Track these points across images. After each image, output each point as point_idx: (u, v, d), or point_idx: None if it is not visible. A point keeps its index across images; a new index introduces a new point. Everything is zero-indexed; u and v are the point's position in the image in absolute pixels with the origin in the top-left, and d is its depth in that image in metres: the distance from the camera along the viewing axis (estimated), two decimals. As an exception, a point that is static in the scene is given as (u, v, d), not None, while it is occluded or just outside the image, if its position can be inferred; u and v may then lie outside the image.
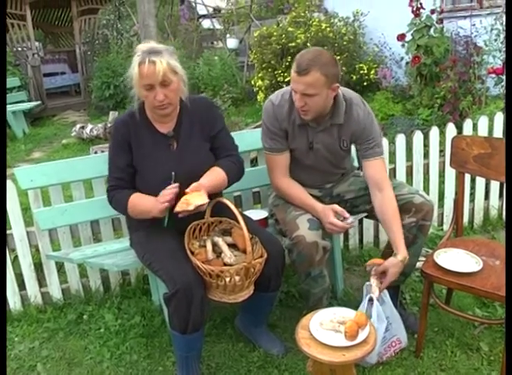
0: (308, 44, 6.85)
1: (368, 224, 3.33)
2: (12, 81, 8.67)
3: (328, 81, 2.23)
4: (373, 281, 2.31)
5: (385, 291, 2.38)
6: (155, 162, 2.27)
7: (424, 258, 2.71)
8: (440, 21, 5.36)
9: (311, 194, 2.57)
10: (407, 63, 5.54)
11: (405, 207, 2.42)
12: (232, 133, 2.57)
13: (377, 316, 2.26)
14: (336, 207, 2.38)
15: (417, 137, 3.32)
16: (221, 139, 2.42)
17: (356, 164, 2.90)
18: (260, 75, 7.86)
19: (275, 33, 7.68)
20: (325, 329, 2.02)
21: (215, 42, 11.47)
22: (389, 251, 2.54)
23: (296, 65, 2.22)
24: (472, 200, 3.62)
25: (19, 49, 9.90)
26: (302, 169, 2.57)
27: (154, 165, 2.27)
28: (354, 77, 7.14)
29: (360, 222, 3.33)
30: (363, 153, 2.49)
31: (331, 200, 2.63)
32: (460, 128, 3.48)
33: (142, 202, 2.22)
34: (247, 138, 2.83)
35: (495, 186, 3.64)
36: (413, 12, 5.10)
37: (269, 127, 2.47)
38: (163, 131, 2.32)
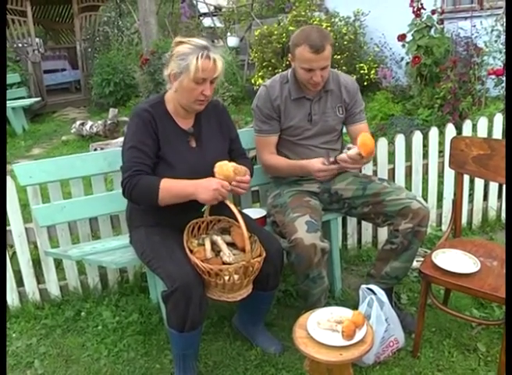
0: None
1: (367, 224, 3.33)
2: (12, 77, 8.68)
3: (332, 49, 2.49)
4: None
5: (383, 292, 2.38)
6: (179, 156, 2.26)
7: (422, 259, 2.71)
8: (441, 22, 5.36)
9: (310, 191, 2.65)
10: (408, 63, 5.53)
11: (402, 212, 2.44)
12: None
13: (376, 319, 2.27)
14: (320, 158, 2.45)
15: (417, 137, 3.32)
16: (237, 143, 2.52)
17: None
18: (260, 74, 7.85)
19: (275, 32, 7.69)
20: (322, 328, 2.03)
21: (216, 40, 11.45)
22: (385, 251, 2.55)
23: (309, 46, 2.39)
24: (471, 201, 3.62)
25: (20, 45, 9.89)
26: (298, 153, 2.65)
27: (178, 159, 2.25)
28: (354, 77, 7.10)
29: (359, 222, 3.34)
30: (352, 118, 2.70)
31: (329, 197, 2.69)
32: (459, 129, 3.48)
33: (180, 185, 2.14)
34: (247, 137, 2.83)
35: (493, 187, 3.64)
36: (413, 12, 5.10)
37: (262, 110, 2.62)
38: (183, 127, 2.33)
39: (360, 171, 2.83)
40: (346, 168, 2.38)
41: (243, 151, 2.56)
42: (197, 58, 2.13)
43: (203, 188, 2.08)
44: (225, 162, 2.19)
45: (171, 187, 2.13)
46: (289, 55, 2.56)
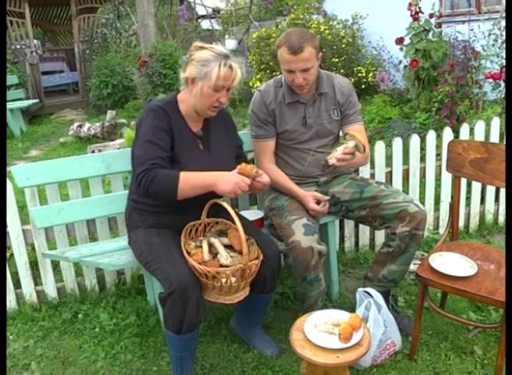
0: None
1: (364, 227, 3.34)
2: (10, 79, 8.67)
3: (316, 52, 2.47)
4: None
5: (380, 295, 2.39)
6: (189, 157, 2.27)
7: (419, 262, 2.72)
8: (439, 25, 5.37)
9: None
10: (405, 67, 5.54)
11: (399, 215, 2.44)
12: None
13: (374, 322, 2.27)
14: (316, 194, 2.50)
15: (414, 140, 3.33)
16: (241, 150, 2.57)
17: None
18: (258, 76, 7.87)
19: (273, 35, 7.70)
20: (319, 331, 2.03)
21: (214, 43, 11.47)
22: (382, 254, 2.56)
23: (287, 47, 2.40)
24: (468, 204, 3.63)
25: (18, 47, 9.88)
26: (294, 156, 2.67)
27: (188, 160, 2.26)
28: (352, 80, 7.15)
29: (357, 225, 3.34)
30: (346, 119, 2.69)
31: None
32: (457, 132, 3.49)
33: (200, 176, 2.15)
34: (244, 139, 2.84)
35: (491, 190, 3.65)
36: (411, 15, 5.11)
37: (258, 114, 2.62)
38: (193, 130, 2.34)
39: (358, 174, 2.83)
40: (345, 164, 2.38)
41: (246, 158, 2.59)
42: (220, 66, 2.17)
43: (224, 180, 2.11)
44: (253, 165, 2.23)
45: (190, 179, 2.14)
46: None
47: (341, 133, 2.78)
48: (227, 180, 2.11)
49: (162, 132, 2.22)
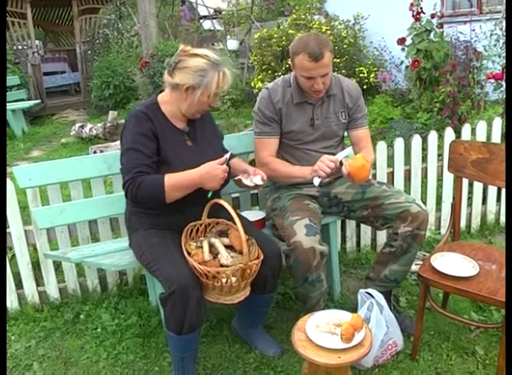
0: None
1: (366, 227, 3.34)
2: (11, 79, 8.67)
3: (332, 55, 2.46)
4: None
5: (381, 296, 2.39)
6: (177, 155, 2.28)
7: (421, 262, 2.72)
8: (440, 26, 5.36)
9: (309, 194, 2.65)
10: (407, 67, 5.54)
11: (402, 215, 2.45)
12: (231, 135, 2.67)
13: (376, 322, 2.27)
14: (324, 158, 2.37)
15: (416, 141, 3.33)
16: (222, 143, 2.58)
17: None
18: (260, 77, 7.87)
19: (275, 36, 7.71)
20: (321, 331, 2.03)
21: (216, 43, 11.47)
22: (384, 254, 2.56)
23: (308, 54, 2.37)
24: (470, 204, 3.63)
25: (20, 47, 9.90)
26: (297, 157, 2.65)
27: (176, 158, 2.27)
28: (354, 80, 7.12)
29: (358, 225, 3.34)
30: (354, 123, 2.70)
31: (328, 201, 2.69)
32: (458, 132, 3.49)
33: (185, 176, 2.17)
34: (246, 140, 2.84)
35: (492, 191, 3.65)
36: (413, 16, 5.11)
37: (264, 112, 2.61)
38: (178, 127, 2.35)
39: None
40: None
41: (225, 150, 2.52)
42: (218, 76, 2.21)
43: (211, 178, 2.15)
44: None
45: (176, 182, 2.16)
46: (290, 62, 2.56)
47: (345, 134, 2.78)
48: (214, 179, 2.15)
49: (145, 137, 2.22)
